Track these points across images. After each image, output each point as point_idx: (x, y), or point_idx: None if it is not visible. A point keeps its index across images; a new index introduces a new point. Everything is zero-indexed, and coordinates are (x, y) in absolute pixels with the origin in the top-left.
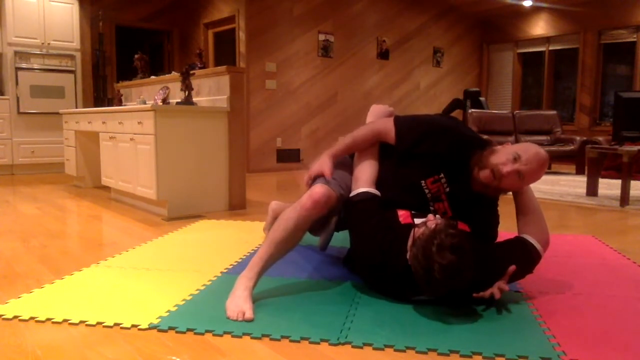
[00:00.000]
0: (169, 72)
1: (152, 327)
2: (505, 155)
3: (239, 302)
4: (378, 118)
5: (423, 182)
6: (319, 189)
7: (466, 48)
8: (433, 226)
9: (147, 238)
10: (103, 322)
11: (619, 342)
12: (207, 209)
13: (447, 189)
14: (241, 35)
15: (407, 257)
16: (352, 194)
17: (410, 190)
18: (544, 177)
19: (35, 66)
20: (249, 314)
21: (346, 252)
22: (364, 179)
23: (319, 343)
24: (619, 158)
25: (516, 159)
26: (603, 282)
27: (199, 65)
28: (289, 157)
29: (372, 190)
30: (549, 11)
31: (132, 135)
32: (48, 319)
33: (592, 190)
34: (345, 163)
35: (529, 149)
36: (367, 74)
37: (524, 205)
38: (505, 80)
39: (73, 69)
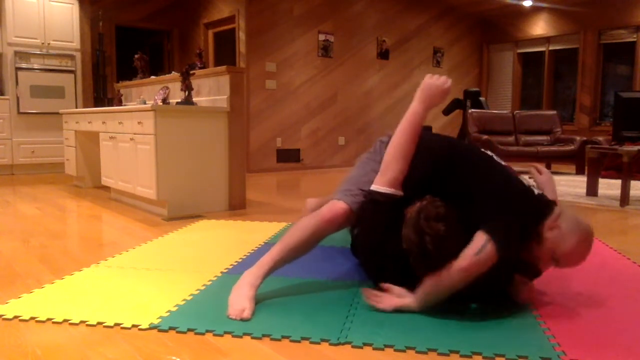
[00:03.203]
0: (169, 72)
1: (152, 327)
2: (548, 253)
3: (241, 300)
4: (431, 98)
5: None
6: (341, 205)
7: (466, 48)
8: (418, 205)
9: (147, 238)
10: (103, 322)
11: (619, 342)
12: (207, 209)
13: None
14: (241, 35)
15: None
16: (376, 187)
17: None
18: None
19: (35, 66)
20: (246, 314)
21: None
22: (393, 175)
23: (319, 343)
24: (619, 158)
25: (556, 260)
26: (603, 282)
27: (199, 65)
28: (289, 157)
29: (396, 192)
30: (549, 11)
31: (132, 135)
32: (48, 319)
33: (592, 190)
34: (376, 159)
35: (572, 254)
36: (367, 74)
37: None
38: (505, 80)
39: (73, 69)
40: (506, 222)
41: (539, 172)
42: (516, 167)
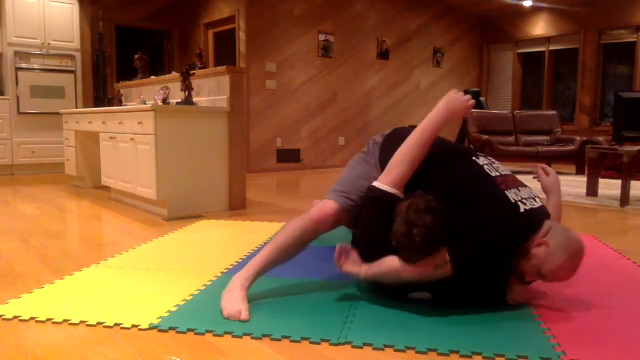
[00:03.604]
0: (169, 72)
1: (152, 327)
2: (534, 268)
3: (235, 302)
4: (453, 112)
5: None
6: (331, 205)
7: (466, 48)
8: (409, 200)
9: (147, 238)
10: (103, 322)
11: (619, 342)
12: (207, 209)
13: None
14: (241, 35)
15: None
16: (378, 185)
17: None
18: None
19: (35, 66)
20: (244, 315)
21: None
22: (398, 176)
23: (319, 343)
24: (619, 158)
25: (543, 276)
26: (603, 282)
27: (199, 65)
28: (289, 157)
29: (398, 192)
30: (549, 11)
31: (132, 135)
32: (48, 319)
33: (592, 190)
34: (369, 161)
35: (559, 271)
36: (367, 74)
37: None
38: (505, 80)
39: (73, 69)
40: (475, 245)
41: (547, 173)
42: (517, 167)
